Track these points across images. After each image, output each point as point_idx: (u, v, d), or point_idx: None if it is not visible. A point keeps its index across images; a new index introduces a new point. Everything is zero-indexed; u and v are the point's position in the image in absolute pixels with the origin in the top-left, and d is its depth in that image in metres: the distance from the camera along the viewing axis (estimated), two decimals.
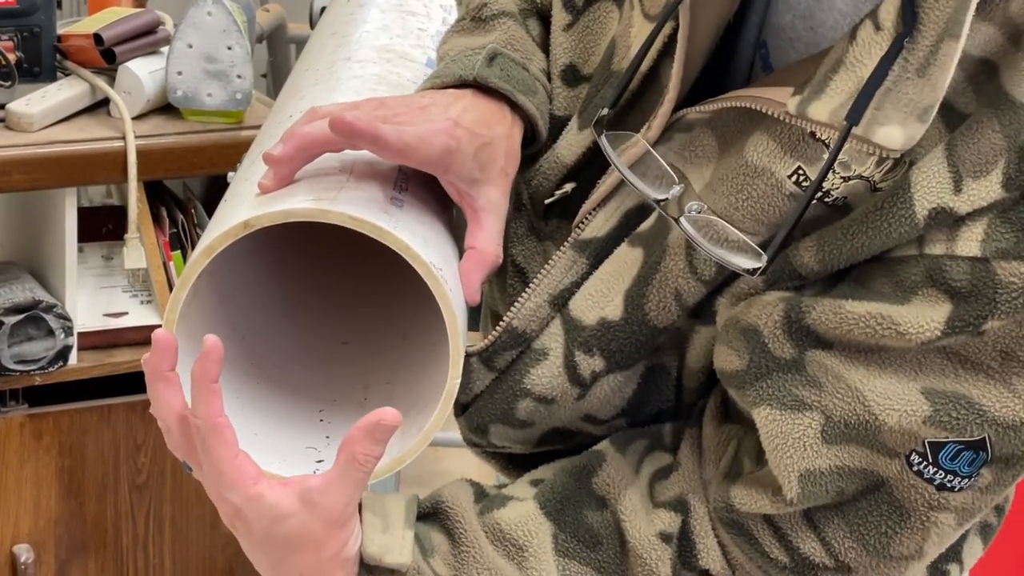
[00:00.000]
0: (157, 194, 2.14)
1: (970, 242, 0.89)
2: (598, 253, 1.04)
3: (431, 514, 1.04)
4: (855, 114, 0.88)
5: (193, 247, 2.11)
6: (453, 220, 1.07)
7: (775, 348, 0.95)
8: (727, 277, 0.98)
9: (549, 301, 1.06)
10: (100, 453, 2.08)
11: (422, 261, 0.95)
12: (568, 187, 1.09)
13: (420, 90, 1.07)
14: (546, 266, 1.06)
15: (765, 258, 0.92)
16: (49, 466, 2.05)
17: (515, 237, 1.13)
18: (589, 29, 1.11)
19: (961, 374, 0.91)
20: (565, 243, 1.06)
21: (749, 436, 0.99)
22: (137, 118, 2.02)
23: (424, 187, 1.04)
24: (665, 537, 1.00)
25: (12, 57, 1.98)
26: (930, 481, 0.93)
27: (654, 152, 0.98)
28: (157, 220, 2.11)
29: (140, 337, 2.08)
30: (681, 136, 1.00)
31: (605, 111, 1.00)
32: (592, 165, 1.08)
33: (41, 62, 2.02)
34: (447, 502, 1.03)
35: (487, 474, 1.27)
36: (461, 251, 1.04)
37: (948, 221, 0.89)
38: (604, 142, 0.99)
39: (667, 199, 0.97)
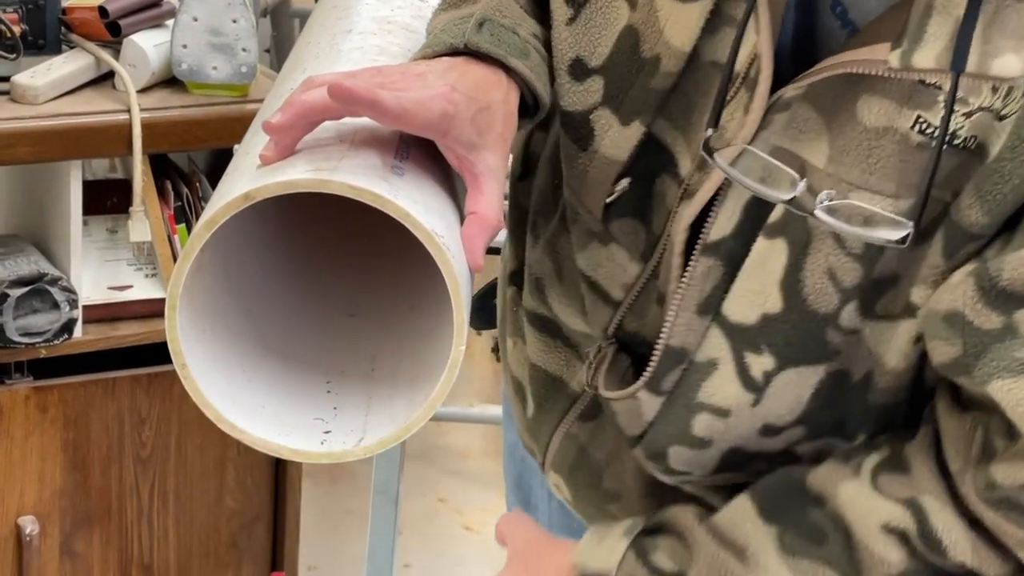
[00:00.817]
0: (162, 167, 2.14)
1: None
2: (731, 253, 1.04)
3: (655, 530, 1.08)
4: (961, 55, 0.89)
5: (198, 220, 2.11)
6: (456, 190, 1.07)
7: (982, 322, 0.95)
8: (878, 249, 0.98)
9: (698, 312, 1.06)
10: (104, 426, 2.08)
11: (423, 228, 0.95)
12: (624, 183, 1.09)
13: (412, 60, 1.07)
14: (683, 279, 1.05)
15: (910, 224, 0.93)
16: (54, 439, 2.05)
17: (577, 247, 1.13)
18: (593, 21, 1.10)
19: None
20: (694, 250, 1.05)
21: (995, 418, 0.98)
22: (142, 91, 2.01)
23: (426, 156, 1.04)
24: (892, 530, 1.00)
25: (17, 29, 1.98)
26: None
27: (765, 155, 0.98)
28: (162, 193, 2.11)
29: (145, 310, 2.08)
30: (780, 117, 1.00)
31: (710, 132, 1.00)
32: (643, 158, 1.07)
33: (46, 35, 2.02)
34: (669, 517, 1.07)
35: (493, 450, 1.27)
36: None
37: None
38: (722, 164, 0.99)
39: (795, 196, 0.97)
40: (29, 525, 2.04)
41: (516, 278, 1.24)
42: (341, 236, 1.22)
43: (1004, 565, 1.00)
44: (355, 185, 0.94)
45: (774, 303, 1.02)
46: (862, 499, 1.02)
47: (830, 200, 0.96)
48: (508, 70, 1.05)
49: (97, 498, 2.10)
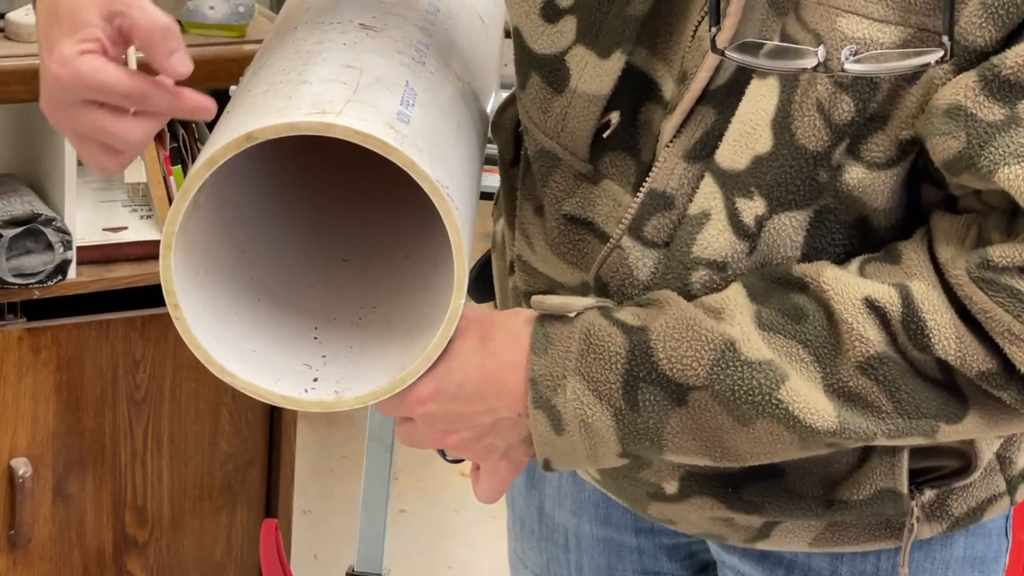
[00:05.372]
0: None
1: None
2: (723, 99, 1.03)
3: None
4: None
5: (194, 161, 2.09)
6: (462, 141, 1.05)
7: (984, 114, 0.95)
8: (869, 83, 0.98)
9: (685, 158, 1.04)
10: (98, 368, 2.07)
11: (428, 178, 0.93)
12: (614, 117, 1.07)
13: None
14: (677, 130, 1.05)
15: (942, 47, 0.93)
16: (47, 380, 2.04)
17: (561, 194, 1.11)
18: None
19: None
20: (682, 101, 1.04)
21: (992, 216, 0.99)
22: None
23: (433, 104, 1.02)
24: (873, 306, 0.99)
25: None
26: None
27: (770, 41, 0.98)
28: (157, 134, 2.09)
29: (139, 252, 2.07)
30: None
31: (715, 30, 0.99)
32: (626, 90, 1.06)
33: None
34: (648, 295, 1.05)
35: None
36: (472, 167, 1.02)
37: None
38: (737, 56, 0.98)
39: (819, 62, 0.96)
40: (22, 467, 2.04)
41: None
42: (340, 179, 1.21)
43: (988, 361, 0.98)
44: (360, 130, 0.92)
45: (764, 144, 1.01)
46: (846, 277, 1.00)
47: (853, 54, 0.96)
48: None
49: (90, 441, 2.09)
